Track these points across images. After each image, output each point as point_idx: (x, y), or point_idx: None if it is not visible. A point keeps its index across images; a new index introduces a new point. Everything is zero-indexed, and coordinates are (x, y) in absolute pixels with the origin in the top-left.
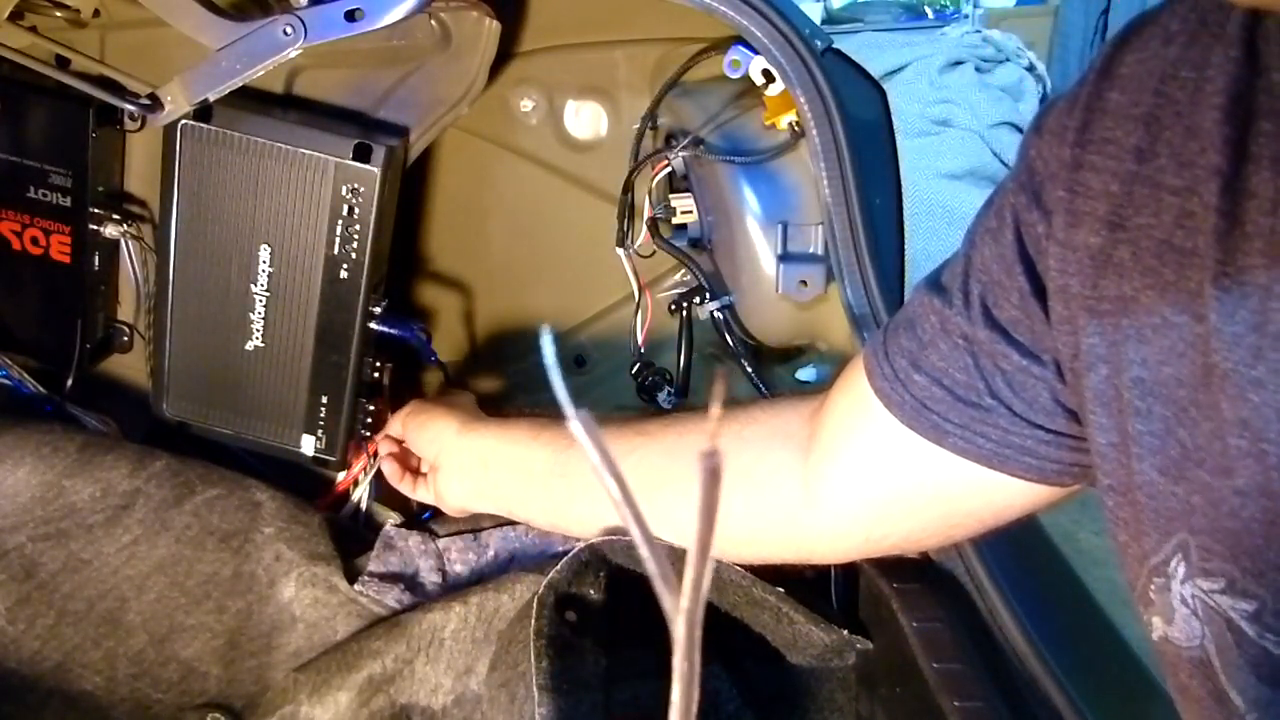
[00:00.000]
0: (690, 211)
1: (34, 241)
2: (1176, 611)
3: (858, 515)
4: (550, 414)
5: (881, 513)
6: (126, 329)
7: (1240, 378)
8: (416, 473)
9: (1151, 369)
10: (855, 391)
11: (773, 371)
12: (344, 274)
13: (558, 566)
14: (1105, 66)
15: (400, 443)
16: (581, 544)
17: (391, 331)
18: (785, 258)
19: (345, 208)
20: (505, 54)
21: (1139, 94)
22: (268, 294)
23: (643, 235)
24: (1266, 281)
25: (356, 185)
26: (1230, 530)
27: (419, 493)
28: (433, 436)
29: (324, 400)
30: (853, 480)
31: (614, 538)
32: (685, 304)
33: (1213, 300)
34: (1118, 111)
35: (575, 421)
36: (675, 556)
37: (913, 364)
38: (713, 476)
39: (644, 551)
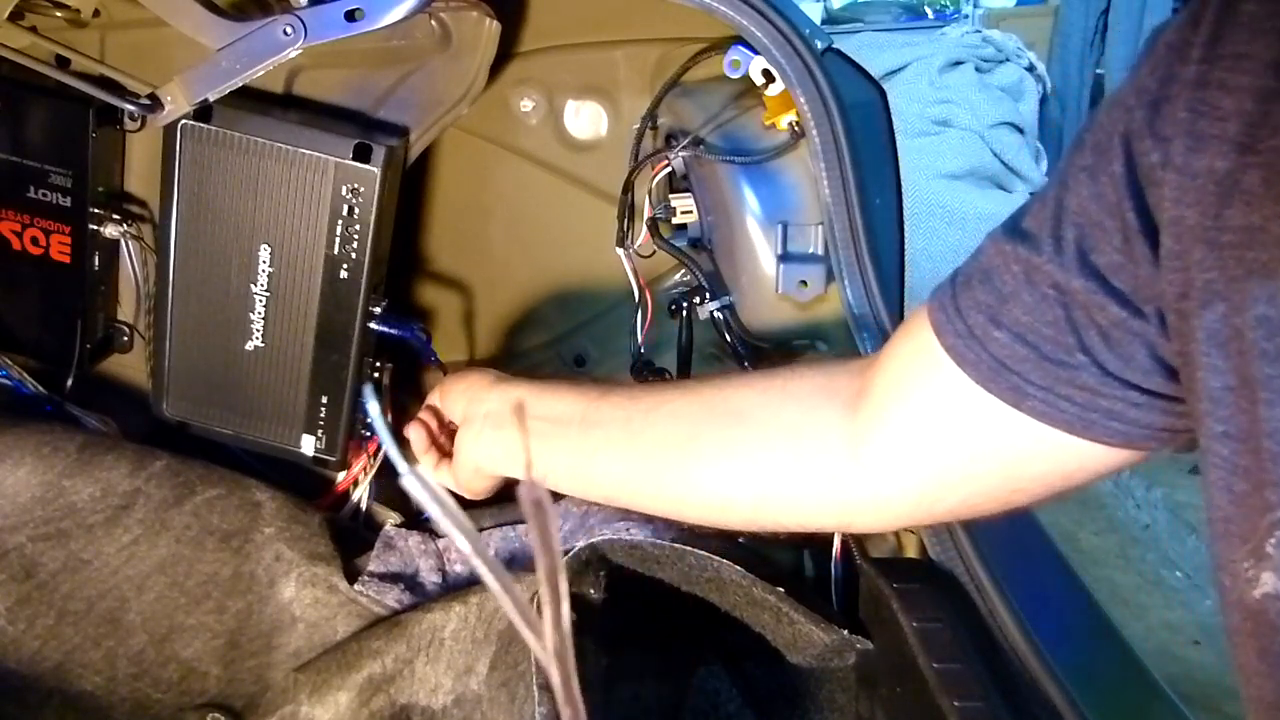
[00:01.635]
0: (690, 211)
1: (34, 241)
2: (1277, 570)
3: (910, 480)
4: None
5: (937, 477)
6: (126, 329)
7: None
8: (442, 451)
9: (1276, 305)
10: (916, 348)
11: None
12: (344, 274)
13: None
14: None
15: (437, 417)
16: (581, 544)
17: (391, 331)
18: (785, 258)
19: (345, 208)
20: (505, 54)
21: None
22: (268, 294)
23: (643, 235)
24: None
25: (356, 185)
26: None
27: (439, 472)
28: (466, 387)
29: (324, 400)
30: (908, 442)
31: (614, 538)
32: (685, 304)
33: None
34: (1253, 24)
35: (409, 477)
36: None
37: (991, 319)
38: (538, 509)
39: (506, 603)
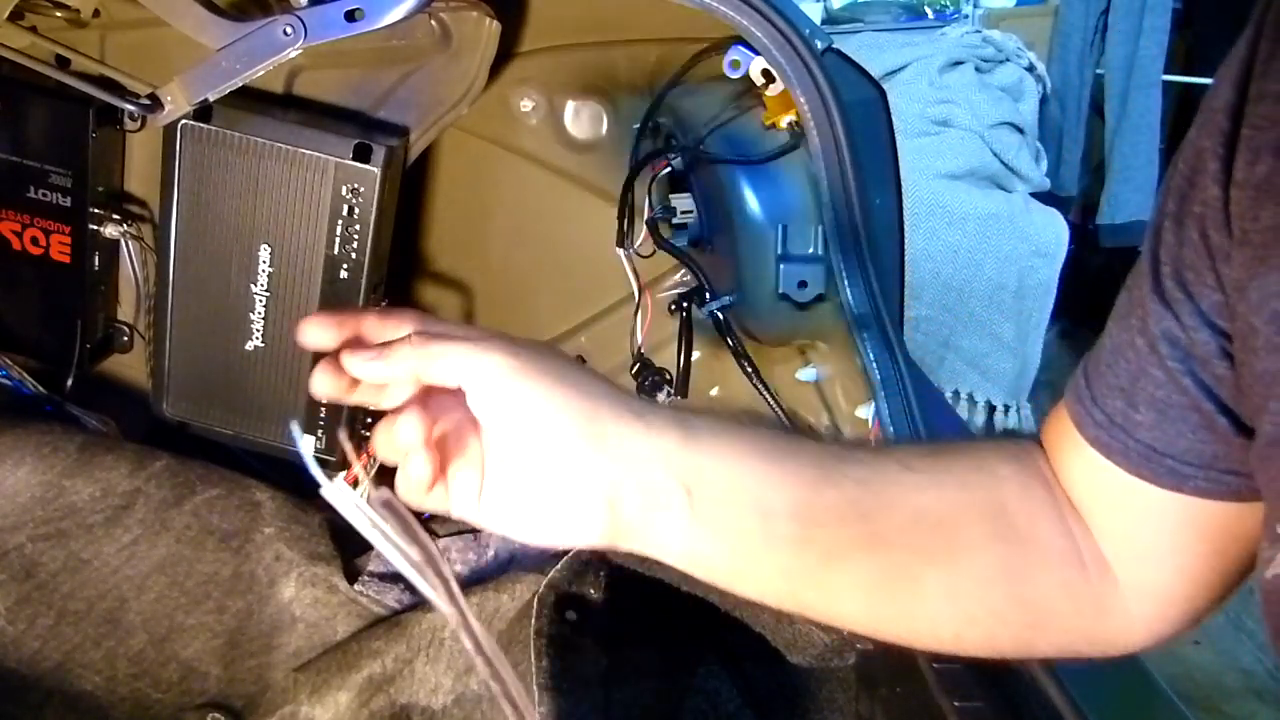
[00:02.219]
0: (690, 211)
1: (34, 241)
2: None
3: (1153, 596)
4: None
5: (1183, 583)
6: (126, 329)
7: None
8: (444, 457)
9: None
10: (1083, 460)
11: (773, 371)
12: (344, 274)
13: (558, 566)
14: None
15: (445, 406)
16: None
17: None
18: (785, 258)
19: (345, 208)
20: (505, 54)
21: None
22: (268, 294)
23: (643, 235)
24: None
25: (356, 185)
26: None
27: (432, 495)
28: (560, 405)
29: (324, 400)
30: (1132, 566)
31: None
32: (685, 304)
33: None
34: None
35: (331, 486)
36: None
37: (1130, 402)
38: (388, 508)
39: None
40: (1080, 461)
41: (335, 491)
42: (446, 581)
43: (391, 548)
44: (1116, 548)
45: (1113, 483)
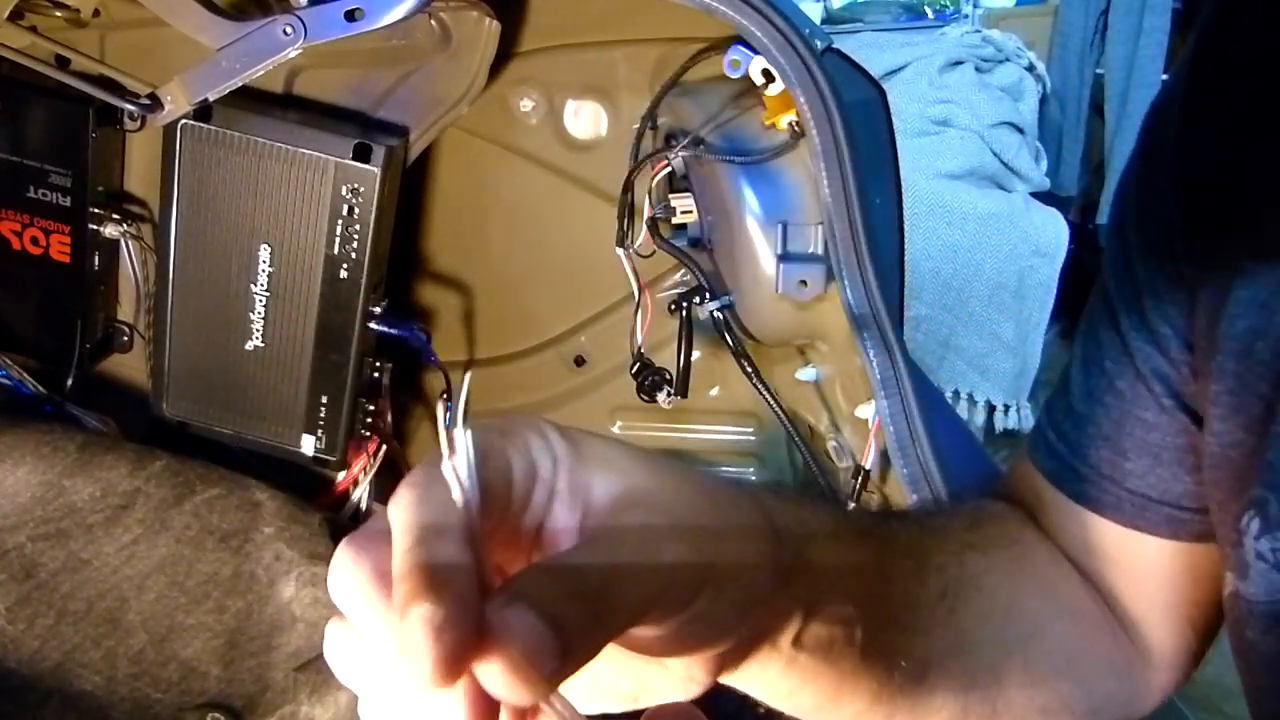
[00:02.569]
0: (690, 211)
1: (34, 241)
2: (1252, 567)
3: (1181, 651)
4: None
5: (1197, 628)
6: (126, 329)
7: None
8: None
9: (1226, 323)
10: (1065, 521)
11: (773, 371)
12: (344, 274)
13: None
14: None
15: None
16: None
17: (391, 331)
18: (785, 258)
19: (345, 208)
20: (505, 54)
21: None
22: (268, 294)
23: (643, 235)
24: None
25: (356, 185)
26: None
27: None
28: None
29: (324, 400)
30: (1155, 628)
31: None
32: (685, 304)
33: None
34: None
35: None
36: None
37: (1118, 451)
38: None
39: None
40: (1065, 520)
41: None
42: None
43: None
44: (1120, 605)
45: (1104, 537)
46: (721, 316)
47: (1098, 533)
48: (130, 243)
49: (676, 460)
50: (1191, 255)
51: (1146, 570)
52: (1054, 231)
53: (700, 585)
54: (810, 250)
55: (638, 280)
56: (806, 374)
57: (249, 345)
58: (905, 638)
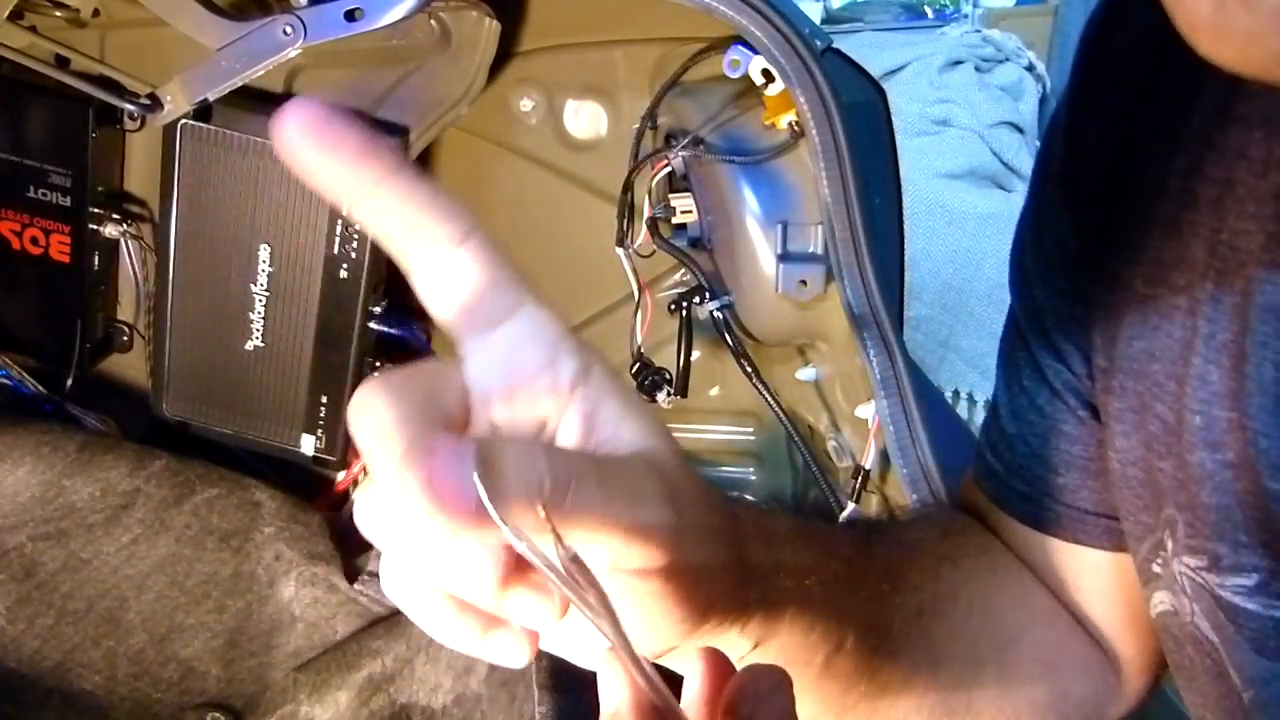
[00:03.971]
0: (690, 211)
1: (34, 241)
2: (1168, 589)
3: (1139, 662)
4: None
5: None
6: (126, 329)
7: (1230, 348)
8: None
9: (1122, 344)
10: (1012, 537)
11: (773, 371)
12: (344, 274)
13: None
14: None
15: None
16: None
17: (391, 331)
18: (785, 258)
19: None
20: (505, 54)
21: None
22: (268, 294)
23: (642, 235)
24: (1258, 249)
25: None
26: (1213, 506)
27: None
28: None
29: (324, 400)
30: (1118, 640)
31: None
32: (685, 304)
33: (1205, 269)
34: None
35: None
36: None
37: (1049, 468)
38: (577, 565)
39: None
40: (1013, 538)
41: (522, 544)
42: (619, 626)
43: (570, 591)
44: (1080, 615)
45: (1052, 554)
46: (721, 316)
47: (1044, 549)
48: (130, 243)
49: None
50: (1083, 273)
51: (1096, 583)
52: None
53: (672, 545)
54: (810, 250)
55: (638, 280)
56: (806, 374)
57: (249, 345)
58: (871, 659)
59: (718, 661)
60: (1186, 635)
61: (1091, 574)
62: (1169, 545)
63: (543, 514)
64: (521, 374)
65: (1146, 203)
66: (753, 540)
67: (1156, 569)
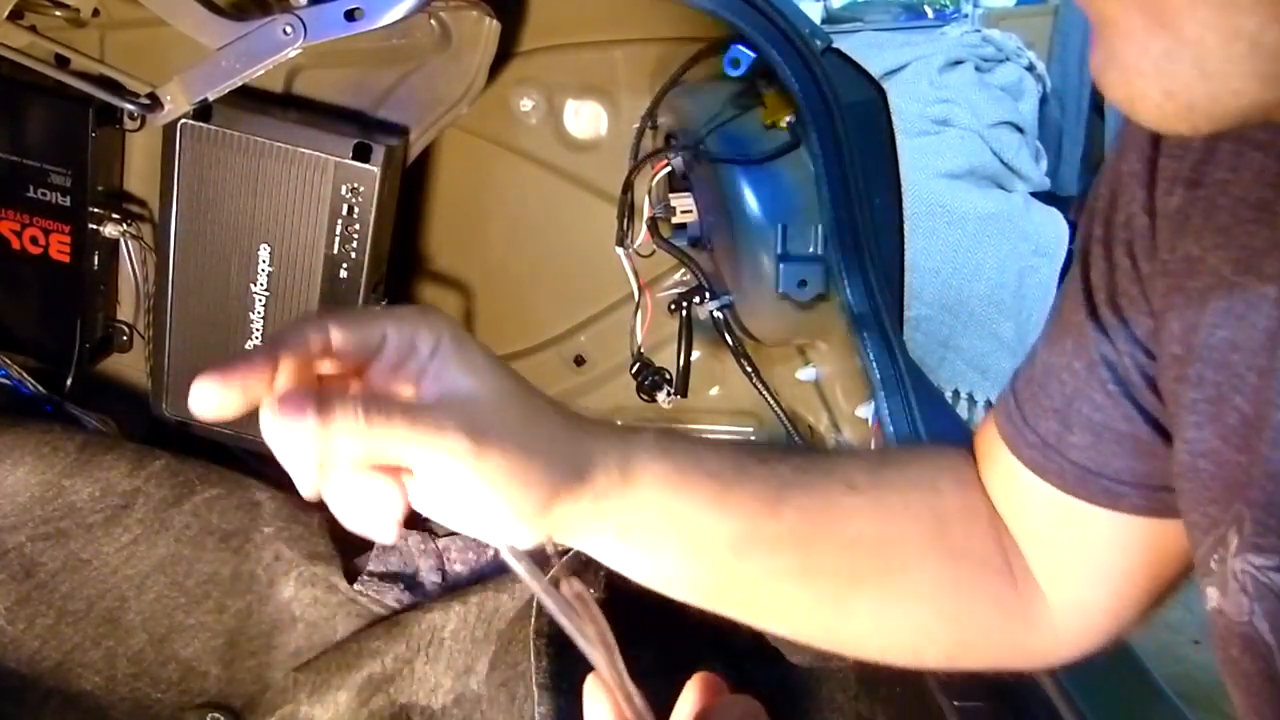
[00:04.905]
0: (690, 211)
1: (34, 241)
2: (1229, 584)
3: (1087, 612)
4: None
5: (1106, 595)
6: (126, 329)
7: None
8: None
9: (1203, 333)
10: (1004, 474)
11: (773, 371)
12: (344, 273)
13: (557, 567)
14: None
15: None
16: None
17: None
18: (785, 258)
19: (345, 207)
20: (505, 54)
21: None
22: (267, 293)
23: (642, 235)
24: None
25: (356, 185)
26: None
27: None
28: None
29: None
30: (1058, 579)
31: None
32: (685, 303)
33: None
34: None
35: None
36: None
37: (1064, 423)
38: (581, 601)
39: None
40: (1013, 480)
41: (532, 581)
42: (614, 659)
43: (568, 621)
44: (1047, 564)
45: (1046, 501)
46: (721, 316)
47: (1038, 495)
48: (130, 242)
49: (544, 397)
50: (1152, 254)
51: (1080, 536)
52: (1054, 231)
53: (473, 444)
54: (810, 250)
55: (638, 280)
56: (806, 374)
57: (249, 345)
58: (742, 563)
59: (709, 688)
60: (1235, 634)
61: (1080, 527)
62: (1232, 541)
63: None
64: (395, 358)
65: (1242, 186)
66: (603, 440)
67: (1214, 564)
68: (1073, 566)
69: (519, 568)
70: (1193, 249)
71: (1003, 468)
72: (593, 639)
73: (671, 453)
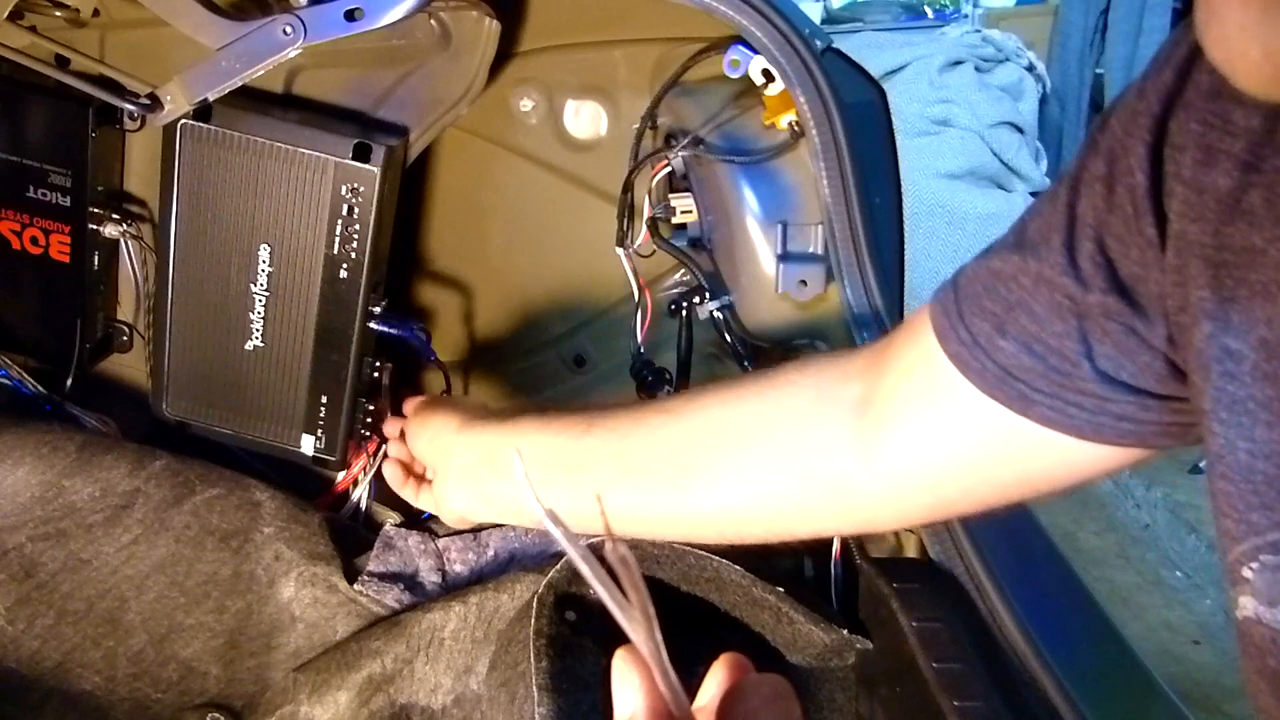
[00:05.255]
0: (690, 211)
1: (34, 241)
2: (1256, 595)
3: (925, 482)
4: (559, 404)
5: (952, 478)
6: (126, 329)
7: None
8: (421, 479)
9: (1275, 329)
10: (921, 354)
11: None
12: (344, 274)
13: (557, 566)
14: None
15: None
16: (581, 543)
17: (391, 331)
18: (785, 257)
19: (345, 207)
20: (505, 54)
21: None
22: (267, 294)
23: (643, 235)
24: None
25: (356, 185)
26: None
27: (420, 499)
28: (432, 436)
29: (324, 400)
30: (919, 447)
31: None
32: (685, 304)
33: None
34: None
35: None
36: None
37: (997, 328)
38: (624, 565)
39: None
40: (930, 363)
41: (577, 550)
42: (653, 630)
43: (605, 590)
44: (922, 439)
45: (953, 391)
46: (721, 316)
47: (948, 383)
48: (130, 243)
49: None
50: (1184, 230)
51: (972, 428)
52: None
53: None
54: (810, 250)
55: (638, 280)
56: None
57: (249, 345)
58: (574, 476)
59: (735, 666)
60: (1272, 646)
61: (978, 419)
62: None
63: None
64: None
65: None
66: (491, 412)
67: (1248, 573)
68: (949, 451)
69: (556, 531)
70: (1252, 239)
71: (926, 351)
72: (632, 609)
73: (541, 410)
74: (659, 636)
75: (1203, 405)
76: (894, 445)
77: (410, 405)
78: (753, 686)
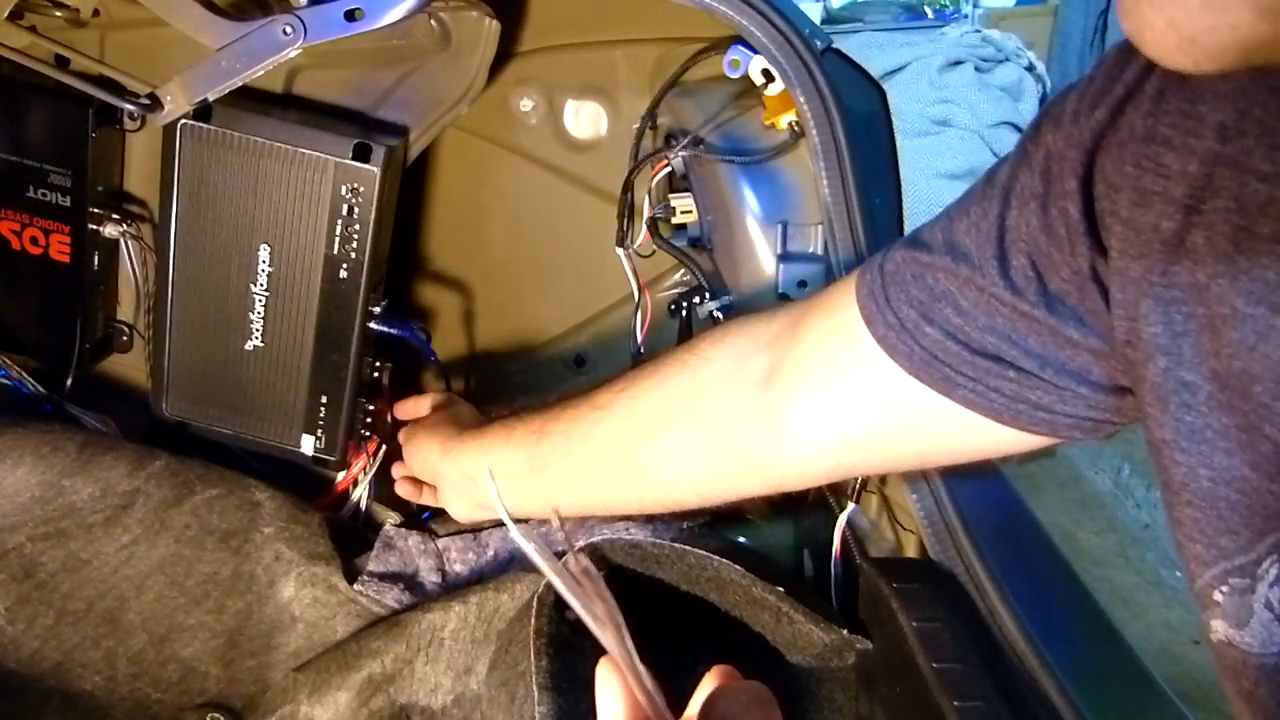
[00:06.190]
0: (690, 211)
1: (34, 241)
2: (1255, 616)
3: (830, 450)
4: (528, 408)
5: (857, 447)
6: (126, 329)
7: None
8: (430, 484)
9: (1223, 362)
10: (838, 327)
11: None
12: (344, 274)
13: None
14: None
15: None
16: (582, 544)
17: (391, 331)
18: (785, 257)
19: (345, 207)
20: (505, 54)
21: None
22: (267, 294)
23: (642, 235)
24: None
25: (356, 185)
26: None
27: (437, 500)
28: (421, 459)
29: (324, 400)
30: (828, 416)
31: (614, 537)
32: (685, 304)
33: None
34: (1200, 84)
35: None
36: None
37: (923, 315)
38: (587, 577)
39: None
40: (849, 340)
41: (541, 559)
42: (623, 638)
43: (577, 601)
44: (829, 410)
45: (874, 370)
46: (721, 316)
47: (872, 366)
48: (130, 243)
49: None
50: (1126, 262)
51: (889, 403)
52: None
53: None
54: (810, 250)
55: (638, 280)
56: None
57: (249, 345)
58: (536, 478)
59: (723, 677)
60: (1254, 666)
61: (896, 397)
62: (1272, 572)
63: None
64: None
65: (1246, 216)
66: (470, 425)
67: (1219, 597)
68: (860, 422)
69: (526, 545)
70: (1197, 276)
71: (845, 326)
72: (602, 617)
73: (506, 422)
74: (630, 644)
75: (1163, 436)
76: (799, 415)
77: (402, 432)
78: (732, 693)
